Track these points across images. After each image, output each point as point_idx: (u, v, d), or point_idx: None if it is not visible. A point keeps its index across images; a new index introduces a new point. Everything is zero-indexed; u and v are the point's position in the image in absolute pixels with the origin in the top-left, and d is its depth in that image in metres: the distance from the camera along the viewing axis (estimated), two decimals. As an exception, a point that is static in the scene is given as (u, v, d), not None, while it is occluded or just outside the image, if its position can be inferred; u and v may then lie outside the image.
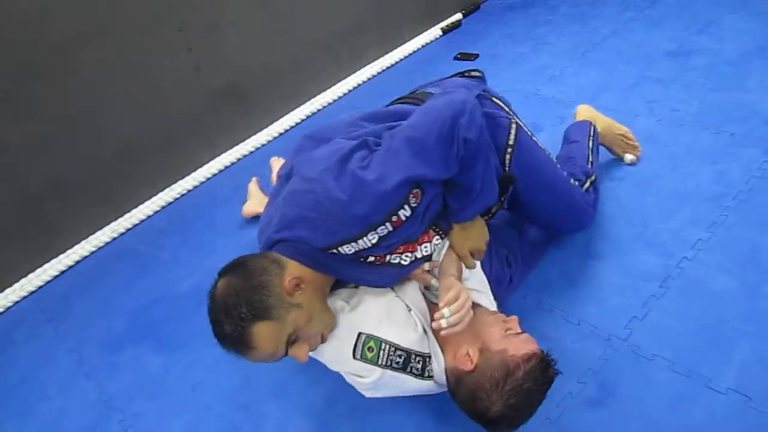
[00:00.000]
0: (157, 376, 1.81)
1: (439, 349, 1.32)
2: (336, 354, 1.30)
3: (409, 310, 1.37)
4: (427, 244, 1.36)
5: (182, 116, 2.48)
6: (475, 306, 1.35)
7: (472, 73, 1.67)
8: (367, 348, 1.27)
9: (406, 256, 1.33)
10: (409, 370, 1.29)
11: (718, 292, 1.58)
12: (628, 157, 2.05)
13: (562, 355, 1.53)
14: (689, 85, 2.37)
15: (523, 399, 1.22)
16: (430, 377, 1.32)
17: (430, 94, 1.47)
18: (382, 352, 1.27)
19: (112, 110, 2.28)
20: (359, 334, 1.27)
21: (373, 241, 1.21)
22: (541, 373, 1.23)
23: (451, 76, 1.68)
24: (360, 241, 1.20)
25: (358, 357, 1.27)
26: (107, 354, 1.93)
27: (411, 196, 1.20)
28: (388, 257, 1.31)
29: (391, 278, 1.35)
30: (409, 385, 1.32)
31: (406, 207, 1.21)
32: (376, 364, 1.27)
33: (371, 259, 1.29)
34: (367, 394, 1.35)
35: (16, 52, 1.98)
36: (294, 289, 1.21)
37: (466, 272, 1.44)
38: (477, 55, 2.99)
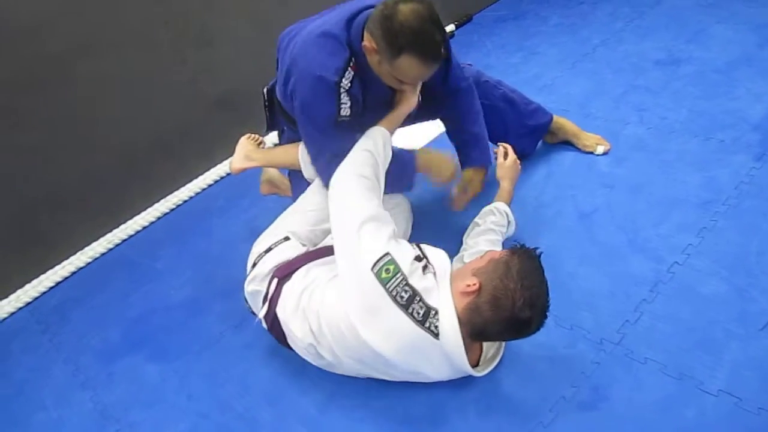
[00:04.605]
0: (153, 385, 1.80)
1: (451, 301, 1.34)
2: (355, 261, 1.39)
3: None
4: None
5: (178, 127, 2.50)
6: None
7: None
8: (385, 269, 1.33)
9: None
10: (410, 310, 1.32)
11: (709, 296, 1.61)
12: (600, 148, 2.17)
13: (555, 360, 1.56)
14: (678, 94, 2.41)
15: (532, 276, 1.34)
16: (433, 332, 1.32)
17: None
18: (395, 278, 1.33)
19: (108, 122, 2.29)
20: (386, 254, 1.35)
21: None
22: (530, 254, 1.40)
23: None
24: None
25: (375, 271, 1.34)
26: (103, 364, 1.92)
27: None
28: None
29: None
30: (402, 330, 1.33)
31: None
32: (385, 286, 1.33)
33: None
34: (344, 369, 1.50)
35: (12, 64, 1.99)
36: None
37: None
38: (470, 66, 3.01)
